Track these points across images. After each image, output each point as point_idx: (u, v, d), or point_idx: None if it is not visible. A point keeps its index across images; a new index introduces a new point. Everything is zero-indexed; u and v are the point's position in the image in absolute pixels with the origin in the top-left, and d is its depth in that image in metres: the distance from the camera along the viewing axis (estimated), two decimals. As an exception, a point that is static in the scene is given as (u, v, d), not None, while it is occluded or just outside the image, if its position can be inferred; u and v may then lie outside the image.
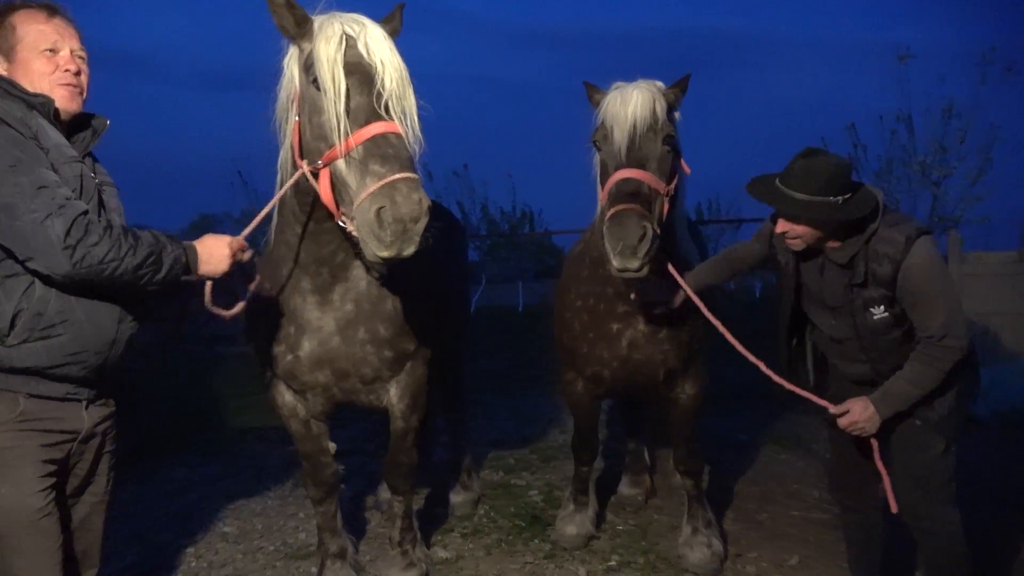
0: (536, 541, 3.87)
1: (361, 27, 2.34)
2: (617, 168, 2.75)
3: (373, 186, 2.16)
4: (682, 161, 2.95)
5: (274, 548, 3.87)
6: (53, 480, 2.10)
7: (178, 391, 7.74)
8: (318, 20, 2.37)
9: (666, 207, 2.81)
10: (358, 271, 2.85)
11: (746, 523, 4.06)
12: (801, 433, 5.71)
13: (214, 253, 2.18)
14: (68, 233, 1.89)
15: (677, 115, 2.96)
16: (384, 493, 4.13)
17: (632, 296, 3.12)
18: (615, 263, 2.61)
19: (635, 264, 2.58)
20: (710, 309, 2.95)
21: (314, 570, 3.41)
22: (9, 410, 2.02)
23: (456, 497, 4.31)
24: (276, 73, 2.54)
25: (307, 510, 4.20)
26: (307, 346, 2.91)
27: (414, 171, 2.21)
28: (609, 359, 3.30)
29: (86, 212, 1.95)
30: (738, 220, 21.50)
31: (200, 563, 3.71)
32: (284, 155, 2.57)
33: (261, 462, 5.38)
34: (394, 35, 2.47)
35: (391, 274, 2.87)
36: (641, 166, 2.74)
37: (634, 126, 2.76)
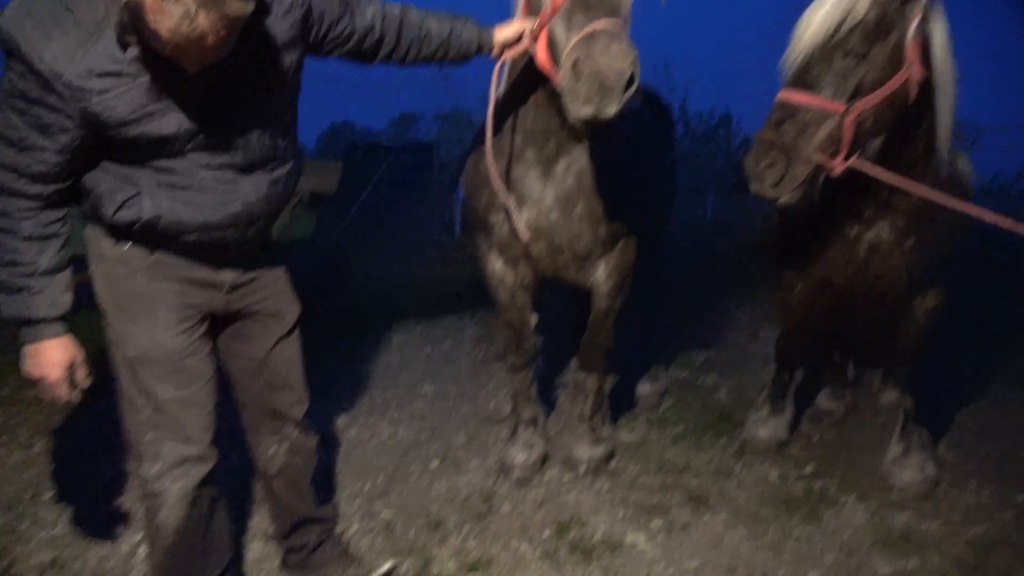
0: (724, 439, 3.79)
1: None
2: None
3: (574, 39, 2.04)
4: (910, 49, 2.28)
5: (467, 410, 4.11)
6: (193, 324, 2.08)
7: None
8: None
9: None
10: (582, 144, 2.77)
11: (965, 453, 3.69)
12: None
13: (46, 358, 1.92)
14: None
15: None
16: (572, 375, 4.19)
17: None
18: None
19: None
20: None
21: (507, 432, 3.59)
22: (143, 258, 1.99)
23: (644, 387, 4.30)
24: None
25: (496, 382, 4.40)
26: (526, 217, 2.91)
27: (618, 17, 2.04)
28: (844, 264, 2.90)
29: None
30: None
31: (403, 413, 4.03)
32: None
33: (456, 335, 5.64)
34: None
35: (605, 147, 2.77)
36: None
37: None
